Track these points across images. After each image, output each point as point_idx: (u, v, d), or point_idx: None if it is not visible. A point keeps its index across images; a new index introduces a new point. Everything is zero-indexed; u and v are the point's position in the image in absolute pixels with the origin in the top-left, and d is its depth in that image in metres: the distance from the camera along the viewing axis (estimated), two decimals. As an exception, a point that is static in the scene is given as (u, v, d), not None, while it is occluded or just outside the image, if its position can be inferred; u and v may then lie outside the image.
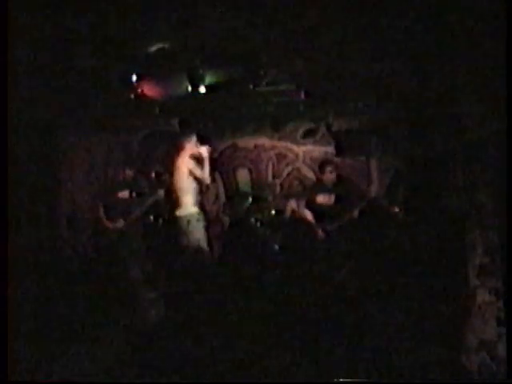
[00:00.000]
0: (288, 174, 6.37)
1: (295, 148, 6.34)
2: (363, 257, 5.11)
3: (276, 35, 4.36)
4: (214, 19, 4.18)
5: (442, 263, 4.45)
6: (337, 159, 5.92)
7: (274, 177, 6.37)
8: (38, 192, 4.76)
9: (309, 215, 5.40)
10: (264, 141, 6.37)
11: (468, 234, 3.96)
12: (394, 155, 5.77)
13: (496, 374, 3.69)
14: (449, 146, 4.38)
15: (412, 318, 4.37)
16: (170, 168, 5.32)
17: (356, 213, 5.26)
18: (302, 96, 5.28)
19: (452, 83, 4.20)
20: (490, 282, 3.81)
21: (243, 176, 6.41)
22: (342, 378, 3.73)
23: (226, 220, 6.08)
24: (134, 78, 4.97)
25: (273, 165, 6.38)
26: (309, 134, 6.26)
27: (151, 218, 5.66)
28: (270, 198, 6.26)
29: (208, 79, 5.06)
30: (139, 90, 5.12)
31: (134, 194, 5.59)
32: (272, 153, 6.38)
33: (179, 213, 5.19)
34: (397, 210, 5.30)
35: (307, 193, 5.71)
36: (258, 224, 5.92)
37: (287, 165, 6.37)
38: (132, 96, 5.15)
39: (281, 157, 6.38)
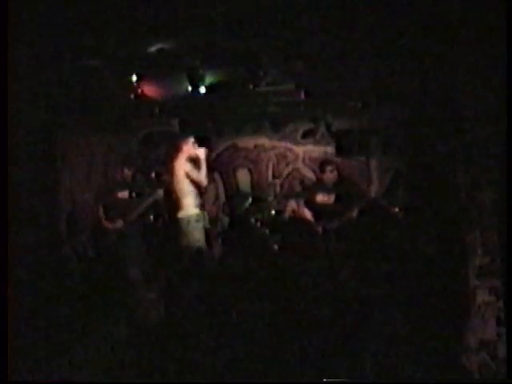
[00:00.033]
0: (288, 174, 6.36)
1: (295, 148, 6.33)
2: (363, 257, 5.10)
3: (276, 35, 4.37)
4: (214, 19, 4.18)
5: (442, 263, 4.45)
6: (337, 159, 5.91)
7: (274, 177, 6.36)
8: (37, 192, 4.76)
9: (308, 214, 5.40)
10: (264, 141, 6.36)
11: (468, 234, 3.96)
12: (394, 155, 5.77)
13: (496, 374, 3.69)
14: (449, 146, 4.37)
15: (412, 318, 4.36)
16: (169, 169, 5.30)
17: (355, 212, 5.26)
18: (302, 96, 5.28)
19: (452, 83, 4.20)
20: (489, 281, 3.81)
21: (243, 176, 6.40)
22: (342, 378, 3.73)
23: (226, 220, 6.07)
24: (134, 78, 4.98)
25: (273, 165, 6.37)
26: (309, 134, 6.25)
27: (151, 218, 5.66)
28: (270, 198, 6.25)
29: (208, 79, 5.06)
30: (139, 90, 5.12)
31: (133, 195, 5.59)
32: (272, 153, 6.37)
33: (180, 215, 5.17)
34: (397, 210, 5.30)
35: (307, 193, 5.71)
36: (258, 224, 5.91)
37: (287, 165, 6.36)
38: (132, 96, 5.16)
39: (281, 157, 6.37)
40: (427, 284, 4.48)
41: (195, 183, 5.19)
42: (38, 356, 4.01)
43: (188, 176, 5.17)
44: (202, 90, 5.09)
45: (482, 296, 3.83)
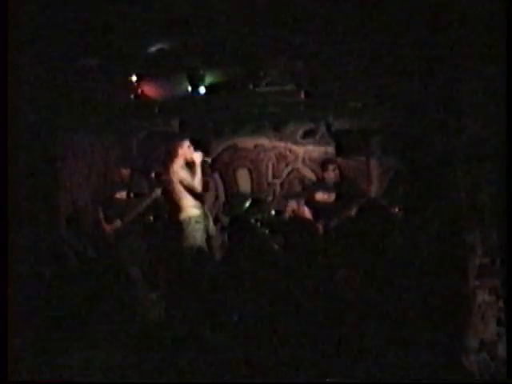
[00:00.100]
0: (288, 175, 6.36)
1: (295, 148, 6.34)
2: (363, 257, 5.11)
3: (276, 35, 4.37)
4: (214, 19, 4.18)
5: (442, 263, 4.45)
6: (337, 159, 5.92)
7: (273, 177, 6.37)
8: (37, 192, 4.75)
9: (308, 213, 5.40)
10: (264, 141, 6.36)
11: (468, 234, 3.96)
12: (393, 155, 5.77)
13: (496, 374, 3.69)
14: (449, 146, 4.37)
15: (412, 318, 4.37)
16: (166, 171, 5.26)
17: (354, 210, 5.26)
18: (302, 96, 5.28)
19: (452, 83, 4.20)
20: (489, 282, 3.81)
21: (243, 176, 6.41)
22: (341, 378, 3.73)
23: (226, 220, 6.08)
24: (134, 78, 4.98)
25: (273, 165, 6.38)
26: (309, 134, 6.25)
27: (151, 218, 5.66)
28: (270, 198, 6.26)
29: (208, 79, 5.06)
30: (139, 90, 5.12)
31: (131, 195, 5.59)
32: (272, 153, 6.38)
33: (181, 216, 5.14)
34: (397, 210, 5.30)
35: (307, 193, 5.72)
36: (258, 224, 5.91)
37: (287, 165, 6.36)
38: (132, 96, 5.16)
39: (281, 157, 6.37)
40: (427, 284, 4.48)
41: (189, 190, 5.08)
42: (38, 356, 4.01)
43: (181, 183, 5.07)
44: (202, 90, 5.09)
45: (482, 296, 3.83)
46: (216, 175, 6.35)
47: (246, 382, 3.81)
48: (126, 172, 5.67)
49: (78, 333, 4.46)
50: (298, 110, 5.76)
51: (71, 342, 4.34)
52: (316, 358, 4.00)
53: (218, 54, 4.68)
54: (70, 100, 5.23)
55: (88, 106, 5.45)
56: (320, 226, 5.31)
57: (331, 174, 5.44)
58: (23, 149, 4.28)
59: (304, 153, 6.31)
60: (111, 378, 3.85)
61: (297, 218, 5.58)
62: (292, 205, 5.68)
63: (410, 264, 4.79)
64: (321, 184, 5.58)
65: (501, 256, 3.72)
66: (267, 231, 5.83)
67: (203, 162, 5.15)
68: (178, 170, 5.08)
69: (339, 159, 5.90)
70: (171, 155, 5.19)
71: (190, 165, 5.12)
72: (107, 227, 5.53)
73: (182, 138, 5.27)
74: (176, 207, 5.11)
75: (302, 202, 5.53)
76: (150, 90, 5.16)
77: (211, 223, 5.34)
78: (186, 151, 5.15)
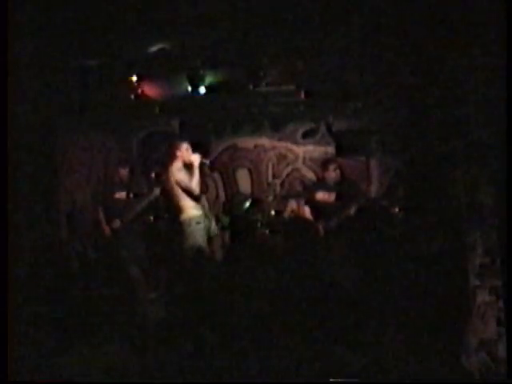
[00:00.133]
0: (288, 175, 6.36)
1: (295, 148, 6.33)
2: (363, 257, 5.10)
3: (276, 35, 4.37)
4: (215, 19, 4.19)
5: (442, 263, 4.45)
6: (337, 159, 5.91)
7: (273, 177, 6.36)
8: (37, 192, 4.76)
9: (308, 213, 5.40)
10: (264, 141, 6.35)
11: (468, 234, 3.96)
12: (393, 155, 5.76)
13: (496, 374, 3.69)
14: (449, 146, 4.37)
15: (412, 318, 4.36)
16: (166, 172, 5.25)
17: (353, 209, 5.25)
18: (302, 96, 5.28)
19: (452, 83, 4.21)
20: (489, 281, 3.81)
21: (243, 176, 6.40)
22: (341, 378, 3.73)
23: (226, 220, 6.07)
24: (134, 78, 4.98)
25: (273, 165, 6.37)
26: (309, 134, 6.25)
27: (151, 218, 5.66)
28: (270, 198, 6.25)
29: (208, 79, 5.07)
30: (139, 90, 5.13)
31: (131, 195, 5.59)
32: (272, 153, 6.37)
33: (181, 217, 5.14)
34: (397, 210, 5.30)
35: (307, 193, 5.71)
36: (258, 224, 5.91)
37: (287, 165, 6.36)
38: (132, 96, 5.16)
39: (281, 157, 6.36)
40: (427, 284, 4.48)
41: (187, 192, 5.07)
42: (38, 356, 4.01)
43: (179, 185, 5.06)
44: (202, 90, 5.10)
45: (482, 296, 3.83)
46: (216, 175, 6.34)
47: (246, 382, 3.81)
48: (125, 172, 5.66)
49: (77, 333, 4.46)
50: (298, 110, 5.76)
51: (71, 342, 4.34)
52: (316, 357, 4.00)
53: (218, 54, 4.69)
54: (70, 100, 5.23)
55: (88, 106, 5.45)
56: (320, 226, 5.30)
57: (332, 174, 5.43)
58: (23, 149, 4.28)
59: (304, 153, 6.31)
60: (111, 378, 3.85)
61: (297, 218, 5.57)
62: (292, 205, 5.67)
63: (410, 264, 4.79)
64: (321, 184, 5.58)
65: (501, 256, 3.72)
66: (267, 231, 5.83)
67: (201, 164, 5.15)
68: (176, 173, 5.08)
69: (339, 159, 5.89)
70: (169, 157, 5.19)
71: (188, 167, 5.13)
72: (107, 227, 5.52)
73: (180, 141, 5.27)
74: (176, 208, 5.11)
75: (302, 202, 5.53)
76: (150, 89, 5.16)
77: (213, 224, 5.34)
78: (184, 153, 5.15)
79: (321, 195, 5.44)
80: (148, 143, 6.28)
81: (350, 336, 4.26)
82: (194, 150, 5.20)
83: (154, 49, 4.55)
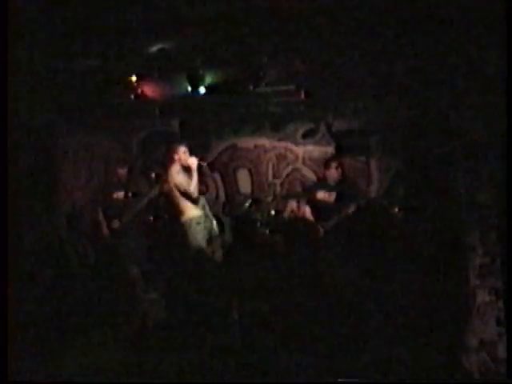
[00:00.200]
0: (288, 175, 6.36)
1: (295, 148, 6.34)
2: (363, 257, 5.10)
3: (276, 35, 4.37)
4: (214, 19, 4.18)
5: (442, 263, 4.45)
6: (337, 159, 5.91)
7: (274, 177, 6.37)
8: (37, 192, 4.76)
9: (308, 213, 5.40)
10: (264, 141, 6.36)
11: (468, 234, 3.96)
12: (393, 155, 5.77)
13: (496, 374, 3.69)
14: (449, 146, 4.38)
15: (412, 318, 4.36)
16: (165, 174, 5.25)
17: (352, 209, 5.25)
18: (302, 96, 5.28)
19: (452, 83, 4.21)
20: (489, 281, 3.81)
21: (243, 176, 6.41)
22: (342, 378, 3.73)
23: (226, 220, 6.07)
24: (134, 78, 4.98)
25: (273, 165, 6.38)
26: (309, 134, 6.25)
27: (151, 218, 5.66)
28: (270, 198, 6.25)
29: (208, 79, 5.06)
30: (139, 90, 5.12)
31: (130, 195, 5.59)
32: (272, 153, 6.38)
33: (182, 218, 5.14)
34: (396, 209, 5.30)
35: (307, 193, 5.71)
36: (258, 224, 5.91)
37: (287, 165, 6.36)
38: (132, 96, 5.16)
39: (281, 157, 6.37)
40: (427, 284, 4.48)
41: (185, 195, 5.07)
42: (38, 356, 4.01)
43: (177, 188, 5.07)
44: (202, 90, 5.09)
45: (482, 296, 3.83)
46: (216, 175, 6.35)
47: (246, 382, 3.81)
48: (125, 172, 5.67)
49: (77, 333, 4.45)
50: (298, 110, 5.75)
51: (71, 342, 4.34)
52: (316, 357, 4.00)
53: (218, 54, 4.68)
54: (70, 100, 5.23)
55: (88, 106, 5.45)
56: (320, 226, 5.31)
57: (333, 173, 5.42)
58: (23, 149, 4.28)
59: (304, 153, 6.31)
60: (111, 378, 3.85)
61: (297, 218, 5.57)
62: (292, 205, 5.67)
63: (410, 264, 4.79)
64: (321, 183, 5.58)
65: (501, 256, 3.72)
66: (267, 231, 5.83)
67: (199, 167, 5.16)
68: (175, 176, 5.11)
69: (339, 159, 5.89)
70: (169, 159, 5.21)
71: (186, 169, 5.14)
72: (107, 227, 5.53)
73: (177, 144, 5.27)
74: (177, 209, 5.12)
75: (303, 201, 5.53)
76: (149, 90, 5.16)
77: (214, 224, 5.35)
78: (182, 156, 5.17)
79: (321, 195, 5.44)
80: (148, 143, 6.28)
81: (349, 336, 4.26)
82: (193, 152, 5.22)
83: (153, 49, 4.54)
